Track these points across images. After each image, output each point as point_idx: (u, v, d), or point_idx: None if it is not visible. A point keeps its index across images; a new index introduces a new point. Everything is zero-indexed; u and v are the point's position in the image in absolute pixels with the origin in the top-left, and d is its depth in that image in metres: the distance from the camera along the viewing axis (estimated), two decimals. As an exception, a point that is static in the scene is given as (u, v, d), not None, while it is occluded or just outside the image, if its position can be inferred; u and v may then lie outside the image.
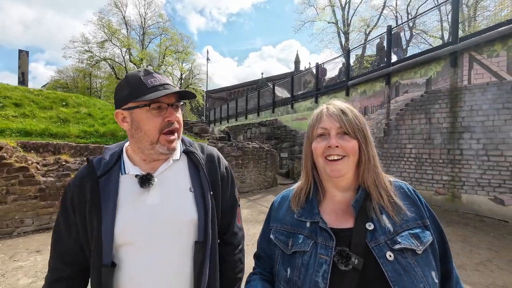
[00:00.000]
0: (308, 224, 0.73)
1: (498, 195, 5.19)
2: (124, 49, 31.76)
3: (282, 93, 16.52)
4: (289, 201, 0.82)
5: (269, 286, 0.76)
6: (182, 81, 36.04)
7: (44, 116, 5.78)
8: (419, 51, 7.32)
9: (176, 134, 0.81)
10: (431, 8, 7.72)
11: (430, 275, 0.62)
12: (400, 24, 13.86)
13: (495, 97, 5.22)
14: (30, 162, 4.50)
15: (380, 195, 0.70)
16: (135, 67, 32.52)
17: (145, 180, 0.78)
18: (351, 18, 23.93)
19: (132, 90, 0.77)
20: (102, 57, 31.03)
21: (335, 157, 0.70)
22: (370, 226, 0.67)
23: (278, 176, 8.96)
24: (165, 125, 0.78)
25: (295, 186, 0.85)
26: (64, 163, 4.89)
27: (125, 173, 0.82)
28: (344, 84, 9.38)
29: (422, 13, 7.95)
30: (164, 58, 33.41)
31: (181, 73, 35.96)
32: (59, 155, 5.06)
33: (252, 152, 7.89)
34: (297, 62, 42.64)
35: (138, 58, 31.52)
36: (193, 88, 35.79)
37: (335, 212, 0.74)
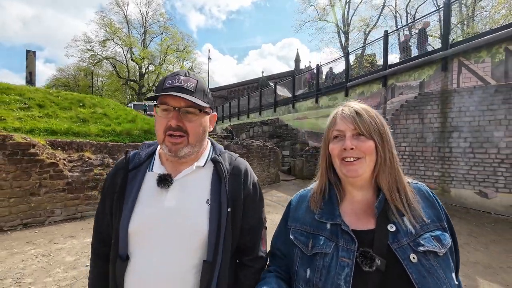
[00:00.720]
0: (328, 226, 0.72)
1: (483, 189, 5.69)
2: (125, 48, 32.02)
3: (282, 91, 16.97)
4: (308, 201, 0.81)
5: (283, 284, 0.75)
6: (183, 80, 36.34)
7: (65, 116, 6.24)
8: (418, 51, 7.77)
9: (182, 138, 0.77)
10: (432, 12, 8.16)
11: (451, 276, 0.63)
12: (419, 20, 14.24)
13: (480, 100, 5.70)
14: (58, 158, 4.96)
15: (397, 197, 0.69)
16: (137, 65, 32.87)
17: (162, 180, 0.78)
18: (351, 18, 24.23)
19: (156, 88, 0.80)
20: (104, 56, 31.30)
21: (351, 159, 0.71)
22: (392, 228, 0.66)
23: (280, 173, 9.44)
24: (168, 127, 0.76)
25: (313, 186, 0.85)
26: (87, 159, 5.36)
27: (152, 171, 0.83)
28: (343, 85, 9.85)
29: (423, 16, 8.37)
30: (165, 57, 33.65)
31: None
32: (82, 152, 5.53)
33: (257, 150, 8.37)
34: (297, 61, 42.96)
35: (139, 57, 31.77)
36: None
37: (355, 213, 0.73)
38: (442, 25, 6.90)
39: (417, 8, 21.84)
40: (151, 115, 12.48)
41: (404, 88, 7.50)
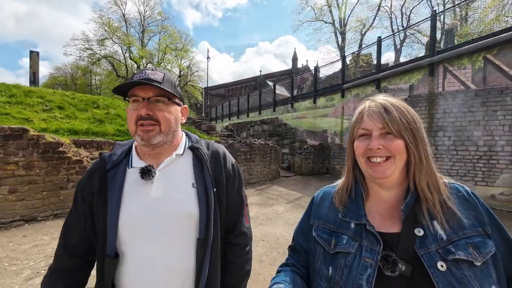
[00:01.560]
0: (352, 225, 0.70)
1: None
2: (124, 47, 32.18)
3: (280, 90, 17.52)
4: (332, 198, 0.79)
5: (299, 279, 0.74)
6: (181, 78, 36.69)
7: (83, 117, 6.73)
8: (412, 50, 8.38)
9: (152, 127, 0.79)
10: (421, 21, 8.77)
11: None
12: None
13: (462, 102, 6.33)
14: (82, 156, 5.47)
15: (431, 199, 0.65)
16: (135, 64, 33.09)
17: (145, 172, 0.80)
18: (348, 18, 24.77)
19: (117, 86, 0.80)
20: (102, 55, 31.43)
21: (378, 159, 0.66)
22: (419, 232, 0.62)
23: (280, 169, 10.02)
24: (139, 117, 0.78)
25: (338, 182, 0.83)
26: (106, 157, 5.89)
27: (132, 167, 0.84)
28: (340, 87, 10.44)
29: (414, 24, 8.99)
30: (164, 56, 33.88)
31: (179, 70, 36.50)
32: (101, 150, 6.04)
33: (259, 148, 8.94)
34: (294, 59, 43.53)
35: (138, 56, 31.96)
36: (192, 85, 36.48)
37: (380, 214, 0.70)
38: (430, 33, 7.50)
39: (411, 9, 22.50)
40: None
41: (395, 90, 8.11)
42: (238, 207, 0.95)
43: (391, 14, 23.65)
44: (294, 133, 12.77)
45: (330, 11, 25.11)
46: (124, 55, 33.12)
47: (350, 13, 24.77)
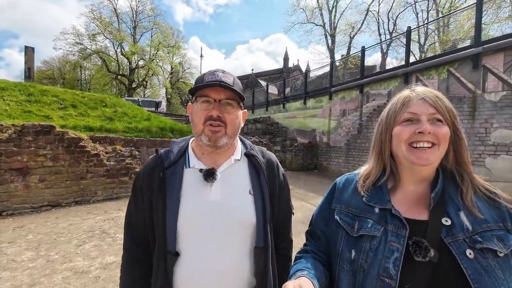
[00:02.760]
0: (377, 210, 0.70)
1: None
2: (116, 43, 32.00)
3: (272, 89, 18.37)
4: (355, 184, 0.79)
5: (321, 266, 0.74)
6: (172, 75, 36.85)
7: (94, 115, 7.33)
8: (398, 54, 9.39)
9: (220, 128, 0.80)
10: (400, 33, 9.80)
11: (510, 279, 0.60)
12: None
13: (430, 108, 7.37)
14: (99, 150, 6.13)
15: (467, 190, 0.66)
16: (127, 60, 33.01)
17: (209, 174, 0.80)
18: (338, 21, 25.79)
19: (194, 86, 0.81)
20: (93, 50, 31.16)
21: (425, 144, 0.65)
22: (447, 222, 0.63)
23: (272, 165, 10.90)
24: (208, 118, 0.79)
25: (361, 170, 0.83)
26: (119, 151, 6.54)
27: (189, 167, 0.85)
28: (328, 90, 11.38)
29: (395, 36, 10.02)
30: (156, 52, 33.87)
31: (171, 67, 36.61)
32: (114, 145, 6.70)
33: (253, 145, 9.79)
34: (286, 59, 44.49)
35: (130, 52, 31.88)
36: (183, 82, 36.73)
37: (406, 202, 0.70)
38: (405, 47, 8.51)
39: (398, 15, 23.80)
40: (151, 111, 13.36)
41: (376, 95, 9.12)
42: (287, 217, 0.97)
43: (378, 19, 24.83)
44: (285, 131, 13.66)
45: (321, 14, 26.10)
46: (115, 51, 32.93)
47: (340, 17, 25.81)
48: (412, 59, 8.67)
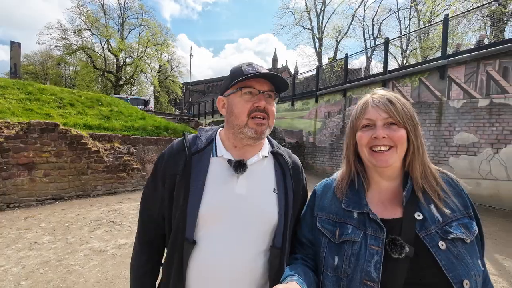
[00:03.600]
0: (355, 215, 0.72)
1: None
2: (103, 39, 31.46)
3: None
4: (333, 190, 0.81)
5: (309, 271, 0.75)
6: (161, 73, 36.63)
7: (92, 113, 7.61)
8: (381, 59, 10.16)
9: (265, 120, 0.80)
10: (378, 45, 10.64)
11: (478, 262, 0.65)
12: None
13: (404, 112, 8.21)
14: (98, 147, 6.47)
15: (429, 186, 0.70)
16: (114, 57, 32.53)
17: (240, 166, 0.79)
18: (325, 25, 26.70)
19: (232, 78, 0.80)
20: (79, 46, 30.51)
21: (382, 148, 0.70)
22: (419, 216, 0.67)
23: (261, 163, 11.49)
24: (254, 109, 0.78)
25: (336, 175, 0.85)
26: (117, 148, 6.90)
27: (217, 156, 0.83)
28: (314, 93, 12.10)
29: (376, 45, 10.85)
30: (145, 50, 33.55)
31: (159, 65, 36.36)
32: (112, 143, 7.05)
33: (244, 144, 10.33)
34: (274, 60, 45.35)
35: (117, 49, 31.42)
36: (172, 80, 36.62)
37: (382, 202, 0.74)
38: (383, 56, 9.34)
39: (382, 21, 25.00)
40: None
41: (358, 99, 9.87)
42: None
43: (363, 24, 25.94)
44: (274, 131, 14.29)
45: (309, 18, 26.95)
46: (102, 47, 32.36)
47: (328, 21, 26.74)
48: (395, 65, 9.49)
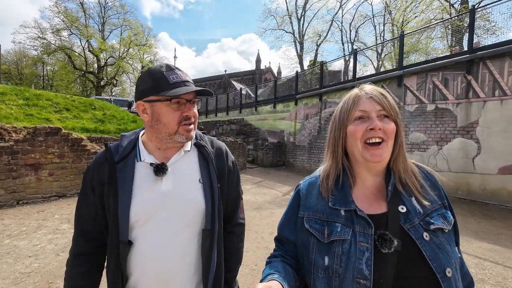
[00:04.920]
0: (342, 212, 0.73)
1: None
2: (83, 39, 30.85)
3: (245, 91, 19.81)
4: (318, 188, 0.81)
5: (290, 269, 0.76)
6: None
7: (87, 117, 8.12)
8: (358, 63, 11.33)
9: (192, 125, 0.87)
10: (348, 54, 11.85)
11: (455, 250, 0.69)
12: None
13: (370, 115, 9.42)
14: (96, 149, 7.06)
15: (409, 179, 0.73)
16: (95, 57, 31.98)
17: (160, 169, 0.85)
18: (306, 29, 27.96)
19: (155, 84, 0.82)
20: (57, 45, 29.77)
21: (377, 140, 0.70)
22: (402, 209, 0.69)
23: (246, 162, 12.34)
24: (183, 118, 0.84)
25: (319, 172, 0.85)
26: (113, 150, 7.53)
27: (141, 160, 0.88)
28: (294, 96, 13.15)
29: (345, 56, 12.02)
30: (128, 50, 33.22)
31: (142, 66, 36.12)
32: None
33: (230, 144, 11.12)
34: (258, 61, 46.35)
35: (98, 49, 30.91)
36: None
37: (367, 198, 0.75)
38: (353, 66, 10.53)
39: (358, 26, 26.62)
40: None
41: (332, 103, 11.04)
42: (236, 200, 1.05)
43: (342, 29, 27.45)
44: (257, 132, 15.21)
45: (291, 22, 28.15)
46: (83, 47, 31.71)
47: (308, 25, 28.02)
48: (371, 68, 10.64)
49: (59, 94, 8.65)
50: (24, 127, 5.79)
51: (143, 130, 0.96)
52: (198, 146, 0.96)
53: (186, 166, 0.92)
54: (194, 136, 0.91)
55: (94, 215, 0.88)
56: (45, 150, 5.91)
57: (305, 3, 27.21)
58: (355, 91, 0.77)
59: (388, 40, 17.45)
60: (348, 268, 0.66)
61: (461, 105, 7.01)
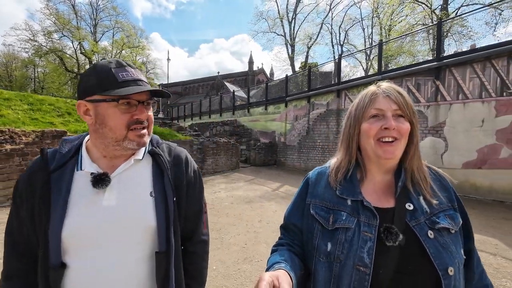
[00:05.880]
0: (349, 202, 0.75)
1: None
2: (75, 41, 30.85)
3: (238, 92, 20.41)
4: (327, 177, 0.82)
5: (296, 258, 0.76)
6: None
7: (87, 121, 8.65)
8: (348, 64, 11.98)
9: (145, 130, 0.77)
10: (336, 59, 12.61)
11: (460, 252, 0.69)
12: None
13: (353, 116, 10.17)
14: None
15: (420, 179, 0.75)
16: (88, 59, 32.04)
17: (98, 180, 0.73)
18: (297, 32, 28.70)
19: (100, 81, 0.71)
20: (49, 48, 29.72)
21: (390, 139, 0.71)
22: (409, 207, 0.71)
23: (239, 161, 12.95)
24: (133, 122, 0.73)
25: (330, 163, 0.86)
26: (114, 151, 8.04)
27: (81, 170, 0.76)
28: (284, 98, 13.84)
29: (325, 62, 12.76)
30: (121, 52, 33.35)
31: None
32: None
33: (223, 145, 11.72)
34: (251, 62, 47.00)
35: (90, 51, 30.98)
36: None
37: (376, 192, 0.77)
38: (337, 71, 11.29)
39: (348, 29, 27.49)
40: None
41: (319, 105, 11.77)
42: (197, 214, 0.92)
43: (331, 31, 28.25)
44: (250, 133, 15.83)
45: (282, 25, 28.86)
46: (75, 49, 31.72)
47: (299, 28, 28.76)
48: (360, 70, 11.32)
49: (60, 99, 9.09)
50: (32, 130, 6.27)
51: (89, 135, 0.82)
52: (153, 154, 0.84)
53: (135, 177, 0.80)
54: (147, 143, 0.80)
55: (25, 232, 0.75)
56: (52, 152, 6.40)
57: (296, 6, 27.98)
58: (372, 88, 0.78)
59: (370, 47, 18.37)
60: (349, 255, 0.68)
61: (431, 107, 7.80)
